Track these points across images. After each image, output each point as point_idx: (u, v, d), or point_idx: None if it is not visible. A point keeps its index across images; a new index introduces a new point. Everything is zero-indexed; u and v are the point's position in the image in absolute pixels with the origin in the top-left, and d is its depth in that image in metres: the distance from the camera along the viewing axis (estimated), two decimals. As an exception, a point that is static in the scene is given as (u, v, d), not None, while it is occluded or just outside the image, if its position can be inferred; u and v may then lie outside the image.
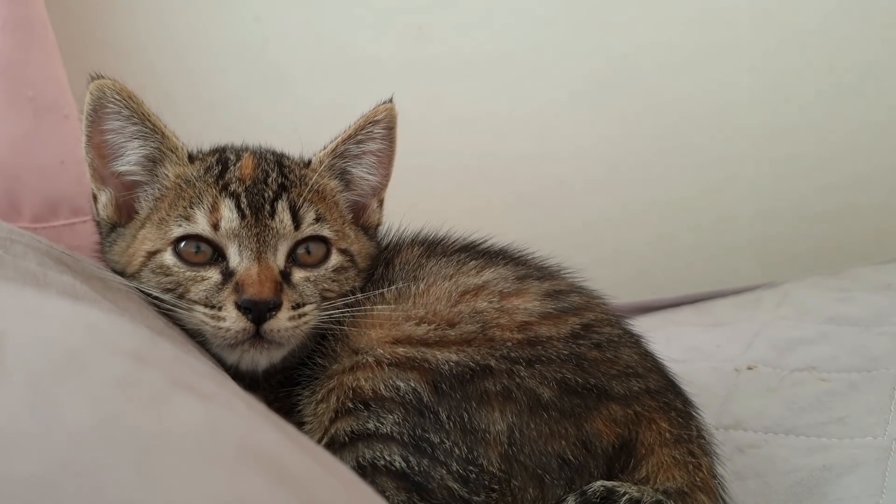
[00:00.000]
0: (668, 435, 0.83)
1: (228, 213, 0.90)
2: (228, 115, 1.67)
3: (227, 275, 0.89)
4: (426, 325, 0.87)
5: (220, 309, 0.87)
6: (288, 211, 0.92)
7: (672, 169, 1.90)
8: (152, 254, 0.91)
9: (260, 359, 0.90)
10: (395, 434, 0.80)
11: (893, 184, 1.95)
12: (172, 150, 0.95)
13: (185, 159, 0.95)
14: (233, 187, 0.92)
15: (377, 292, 0.93)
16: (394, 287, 0.93)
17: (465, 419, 0.80)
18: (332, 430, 0.84)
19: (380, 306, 0.91)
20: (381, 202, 1.05)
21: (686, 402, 0.90)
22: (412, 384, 0.82)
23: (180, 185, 0.93)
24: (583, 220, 1.87)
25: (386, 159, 1.02)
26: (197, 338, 0.89)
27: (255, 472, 0.42)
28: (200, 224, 0.90)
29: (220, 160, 0.96)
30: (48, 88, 1.29)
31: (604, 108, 1.85)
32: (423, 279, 0.93)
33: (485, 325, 0.86)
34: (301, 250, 0.93)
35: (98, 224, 0.99)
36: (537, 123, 1.83)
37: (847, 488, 0.95)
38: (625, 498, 0.77)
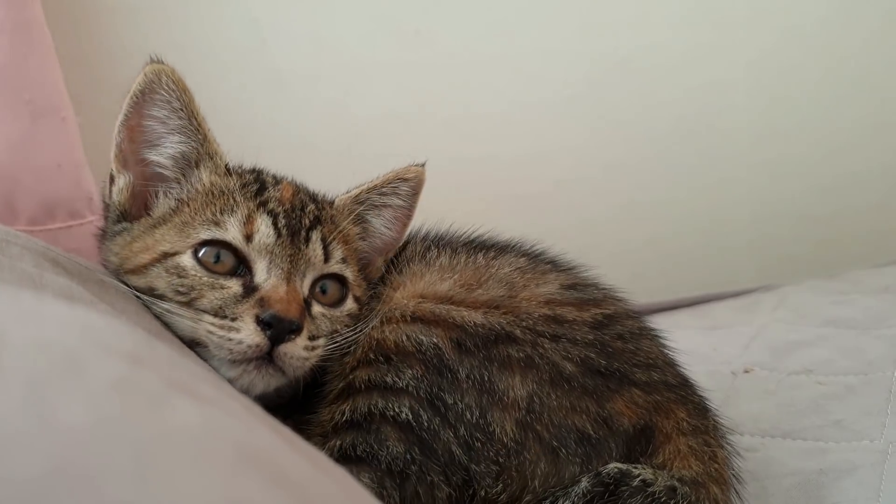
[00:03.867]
0: (685, 424, 0.85)
1: (265, 229, 0.88)
2: (227, 115, 1.66)
3: (250, 289, 0.86)
4: (451, 281, 0.89)
5: (233, 320, 0.83)
6: (320, 242, 0.91)
7: (668, 171, 1.91)
8: (168, 255, 0.88)
9: (258, 383, 0.85)
10: (410, 389, 0.81)
11: (890, 185, 1.96)
12: (211, 155, 0.93)
13: (223, 168, 0.94)
14: (271, 206, 0.91)
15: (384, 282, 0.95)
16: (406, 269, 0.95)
17: (486, 379, 0.80)
18: (351, 377, 0.85)
19: (405, 271, 0.94)
20: (386, 261, 1.03)
21: (701, 398, 0.91)
22: (434, 339, 0.82)
23: (212, 193, 0.91)
24: (579, 222, 1.87)
25: (404, 219, 1.02)
26: (194, 348, 0.86)
27: (251, 475, 0.42)
28: (231, 232, 0.88)
29: (258, 179, 0.95)
30: (45, 91, 1.29)
31: (600, 110, 1.86)
32: (437, 262, 0.95)
33: (512, 288, 0.87)
34: (317, 288, 0.91)
35: (107, 207, 0.96)
36: (533, 125, 1.83)
37: (844, 492, 0.95)
38: (638, 478, 0.77)
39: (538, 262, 0.97)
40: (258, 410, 0.59)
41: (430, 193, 1.00)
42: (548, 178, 1.85)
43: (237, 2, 1.67)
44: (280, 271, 0.87)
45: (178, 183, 0.93)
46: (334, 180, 1.73)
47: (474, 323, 0.84)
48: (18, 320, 0.52)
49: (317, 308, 0.90)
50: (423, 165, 1.00)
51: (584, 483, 0.77)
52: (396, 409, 0.80)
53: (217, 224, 0.88)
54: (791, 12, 1.87)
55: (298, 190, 0.97)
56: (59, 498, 0.35)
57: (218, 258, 0.87)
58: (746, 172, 1.94)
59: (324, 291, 0.92)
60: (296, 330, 0.84)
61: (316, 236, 0.91)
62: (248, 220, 0.88)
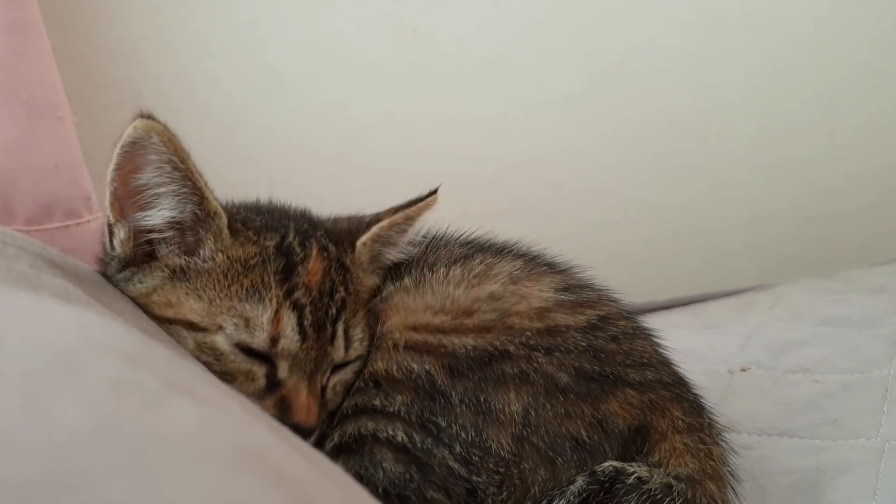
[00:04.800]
0: (680, 423, 0.85)
1: (291, 333, 0.83)
2: (224, 117, 1.67)
3: (274, 383, 0.84)
4: (443, 314, 0.86)
5: None
6: (343, 336, 0.87)
7: (666, 172, 1.91)
8: (197, 327, 0.83)
9: None
10: (402, 413, 0.80)
11: (887, 186, 1.96)
12: (211, 214, 0.85)
13: (226, 231, 0.85)
14: (297, 295, 0.84)
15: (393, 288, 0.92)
16: (406, 280, 0.92)
17: (481, 400, 0.80)
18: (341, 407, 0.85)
19: (397, 296, 0.90)
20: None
21: (696, 396, 0.92)
22: (426, 367, 0.82)
23: (233, 267, 0.84)
24: (577, 224, 1.87)
25: (408, 240, 0.98)
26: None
27: (250, 475, 0.42)
28: (259, 337, 0.82)
29: (283, 249, 0.87)
30: (42, 91, 1.29)
31: (599, 111, 1.86)
32: (435, 269, 0.92)
33: (503, 314, 0.86)
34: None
35: (108, 259, 0.89)
36: (532, 127, 1.83)
37: (840, 490, 0.96)
38: (633, 476, 0.77)
39: (533, 265, 0.96)
40: (256, 410, 0.59)
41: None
42: (545, 179, 1.85)
43: (235, 2, 1.67)
44: (302, 373, 0.84)
45: (179, 241, 0.86)
46: (331, 180, 1.74)
47: (465, 347, 0.83)
48: (15, 321, 0.52)
49: (330, 380, 0.88)
50: (437, 191, 0.96)
51: (580, 482, 0.78)
52: (390, 432, 0.79)
53: (246, 323, 0.82)
54: (790, 15, 1.87)
55: (329, 265, 0.89)
56: (56, 500, 0.35)
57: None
58: (744, 173, 1.94)
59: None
60: (311, 434, 0.83)
61: (340, 330, 0.86)
62: (275, 319, 0.82)
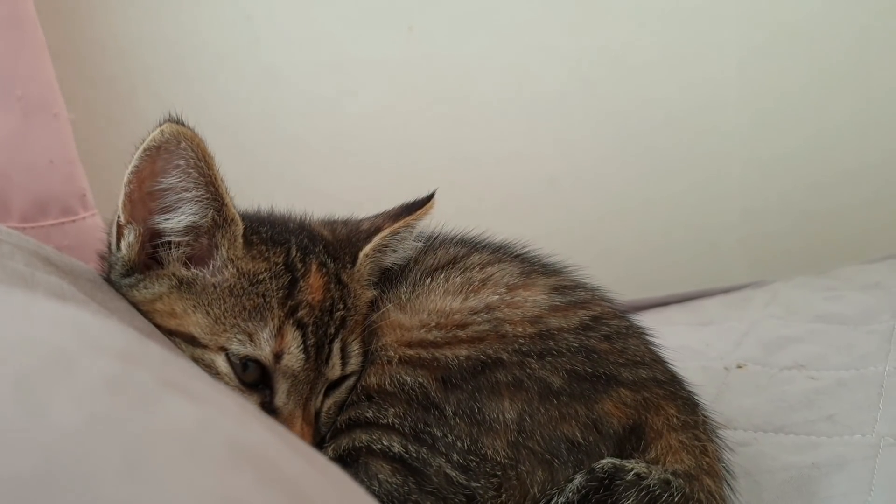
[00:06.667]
0: (675, 420, 0.85)
1: (296, 351, 0.83)
2: (219, 114, 1.67)
3: (269, 410, 0.84)
4: (437, 330, 0.86)
5: None
6: (339, 354, 0.87)
7: (660, 167, 1.91)
8: (199, 343, 0.83)
9: None
10: (395, 425, 0.81)
11: (881, 182, 1.96)
12: (228, 221, 0.85)
13: (240, 241, 0.85)
14: (301, 314, 0.84)
15: (388, 305, 0.91)
16: (405, 288, 0.92)
17: (475, 410, 0.80)
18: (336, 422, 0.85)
19: (393, 313, 0.89)
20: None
21: (690, 392, 0.92)
22: (420, 380, 0.82)
23: (240, 284, 0.84)
24: (572, 220, 1.87)
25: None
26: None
27: (245, 472, 0.42)
28: (264, 351, 0.83)
29: (288, 266, 0.87)
30: (37, 87, 1.29)
31: (592, 107, 1.86)
32: (434, 275, 0.92)
33: (497, 324, 0.86)
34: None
35: (113, 260, 0.88)
36: (525, 122, 1.84)
37: (836, 486, 0.96)
38: (632, 472, 0.78)
39: (528, 268, 0.95)
40: (252, 408, 0.59)
41: (422, 190, 0.99)
42: (540, 176, 1.86)
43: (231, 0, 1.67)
44: (298, 397, 0.84)
45: (192, 245, 0.85)
46: (327, 176, 1.74)
47: (458, 358, 0.83)
48: (9, 319, 0.52)
49: (325, 404, 0.88)
50: (433, 195, 0.96)
51: (579, 479, 0.78)
52: (385, 443, 0.80)
53: (250, 338, 0.82)
54: (782, 9, 1.88)
55: (329, 282, 0.89)
56: (50, 497, 0.35)
57: (246, 367, 0.84)
58: (737, 169, 1.94)
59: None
60: None
61: (336, 348, 0.87)
62: (279, 334, 0.83)
